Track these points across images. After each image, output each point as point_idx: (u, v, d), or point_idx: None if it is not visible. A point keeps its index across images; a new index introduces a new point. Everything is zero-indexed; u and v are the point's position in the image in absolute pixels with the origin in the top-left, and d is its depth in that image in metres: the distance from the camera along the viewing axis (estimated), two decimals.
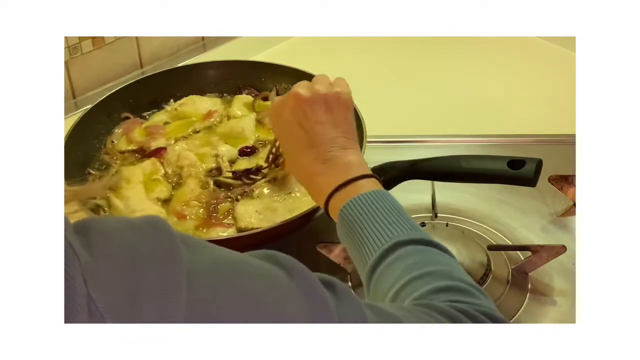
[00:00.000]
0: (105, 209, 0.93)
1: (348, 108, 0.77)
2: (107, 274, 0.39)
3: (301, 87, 0.76)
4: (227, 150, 1.02)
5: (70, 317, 0.37)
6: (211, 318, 0.42)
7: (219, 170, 1.00)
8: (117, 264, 0.40)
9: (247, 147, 1.04)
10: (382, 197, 0.69)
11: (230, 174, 0.99)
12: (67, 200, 0.42)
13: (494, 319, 0.58)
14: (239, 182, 0.97)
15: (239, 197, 0.96)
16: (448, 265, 0.63)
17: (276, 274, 0.47)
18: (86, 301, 0.38)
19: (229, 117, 1.11)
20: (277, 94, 1.13)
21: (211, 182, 0.99)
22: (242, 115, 1.11)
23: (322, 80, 0.78)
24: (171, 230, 0.44)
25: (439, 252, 0.65)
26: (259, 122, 1.09)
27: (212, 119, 1.10)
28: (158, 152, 1.03)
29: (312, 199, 0.77)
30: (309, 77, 1.08)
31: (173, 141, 1.06)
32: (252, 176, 0.98)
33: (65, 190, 0.42)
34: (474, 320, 0.57)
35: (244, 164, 1.01)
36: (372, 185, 0.71)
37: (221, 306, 0.43)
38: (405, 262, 0.63)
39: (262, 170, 0.98)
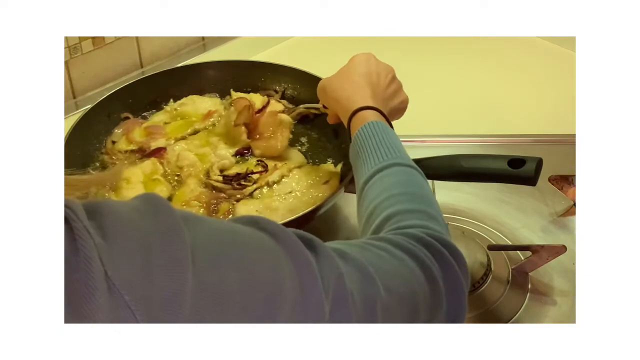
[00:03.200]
0: None
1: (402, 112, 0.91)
2: (120, 253, 0.41)
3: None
4: (221, 157, 1.02)
5: (90, 296, 0.39)
6: (215, 286, 0.45)
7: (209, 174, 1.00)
8: (127, 244, 0.42)
9: (245, 149, 1.04)
10: (390, 130, 0.80)
11: (220, 178, 0.98)
12: (66, 193, 0.43)
13: (436, 238, 0.63)
14: (229, 186, 0.97)
15: (239, 196, 0.96)
16: (419, 187, 0.72)
17: (263, 238, 0.51)
18: (105, 279, 0.40)
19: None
20: (284, 97, 1.14)
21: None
22: None
23: None
24: (171, 209, 0.46)
25: (416, 177, 0.74)
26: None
27: (212, 119, 1.10)
28: (158, 152, 1.03)
29: (338, 109, 0.86)
30: (309, 77, 1.09)
31: (173, 141, 1.06)
32: (242, 182, 0.98)
33: (65, 182, 0.43)
34: (417, 241, 0.62)
35: (235, 168, 1.01)
36: (381, 118, 0.82)
37: (223, 277, 0.45)
38: (384, 182, 0.72)
39: (252, 176, 0.98)
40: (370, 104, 0.81)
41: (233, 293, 0.45)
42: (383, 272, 0.57)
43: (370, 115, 0.80)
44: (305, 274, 0.50)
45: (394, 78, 0.89)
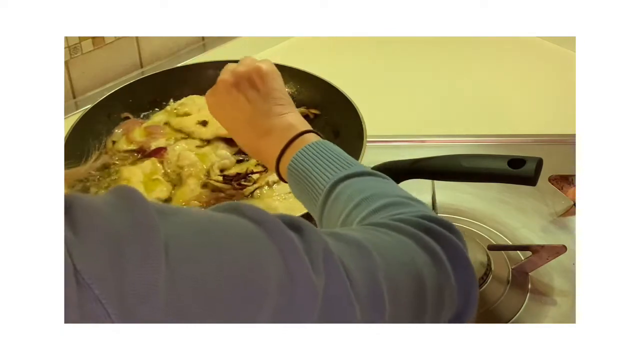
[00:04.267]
0: None
1: (273, 77, 0.80)
2: (91, 247, 0.41)
3: (224, 73, 0.82)
4: (221, 157, 1.02)
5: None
6: (191, 276, 0.44)
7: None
8: (98, 238, 0.42)
9: None
10: (322, 146, 0.73)
11: (220, 178, 0.98)
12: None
13: (432, 220, 0.61)
14: (229, 186, 0.97)
15: (239, 196, 0.96)
16: (384, 186, 0.68)
17: (243, 224, 0.49)
18: (73, 273, 0.39)
19: None
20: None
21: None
22: None
23: (244, 61, 0.83)
24: (145, 201, 0.45)
25: (375, 179, 0.69)
26: None
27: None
28: (158, 152, 1.03)
29: (268, 168, 0.83)
30: (309, 77, 1.09)
31: (173, 141, 1.06)
32: (242, 182, 0.98)
33: None
34: (414, 225, 0.60)
35: (235, 168, 1.01)
36: (313, 137, 0.76)
37: (199, 265, 0.45)
38: (346, 193, 0.67)
39: (252, 176, 0.98)
40: (273, 152, 0.75)
41: (211, 282, 0.45)
42: (378, 245, 0.56)
43: (288, 155, 0.74)
44: (290, 255, 0.49)
45: (246, 81, 0.80)
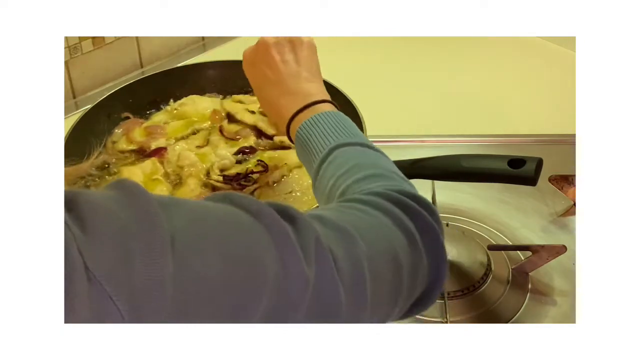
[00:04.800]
0: None
1: (311, 49, 0.84)
2: (99, 244, 0.41)
3: (267, 37, 0.85)
4: (221, 157, 1.02)
5: (71, 286, 0.39)
6: (195, 269, 0.45)
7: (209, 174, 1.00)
8: (105, 234, 0.42)
9: (246, 148, 1.04)
10: (333, 115, 0.76)
11: (220, 178, 0.98)
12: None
13: (409, 196, 0.62)
14: (229, 186, 0.97)
15: None
16: (374, 158, 0.71)
17: (239, 214, 0.50)
18: (84, 271, 0.40)
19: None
20: None
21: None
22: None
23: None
24: (147, 195, 0.46)
25: (369, 151, 0.72)
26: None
27: (217, 117, 1.10)
28: (158, 152, 1.03)
29: (278, 129, 0.85)
30: None
31: (173, 141, 1.06)
32: (242, 182, 0.98)
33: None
34: (392, 201, 0.61)
35: (235, 168, 1.01)
36: (328, 107, 0.78)
37: (203, 259, 0.45)
38: (337, 161, 0.70)
39: (252, 176, 0.98)
40: (287, 114, 0.78)
41: (214, 274, 0.45)
42: (361, 230, 0.57)
43: (301, 117, 0.77)
44: (284, 245, 0.50)
45: (287, 43, 0.83)
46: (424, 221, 0.60)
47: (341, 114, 0.77)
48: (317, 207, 0.60)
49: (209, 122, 1.09)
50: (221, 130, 1.07)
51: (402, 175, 0.68)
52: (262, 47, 0.84)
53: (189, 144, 1.05)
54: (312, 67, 0.83)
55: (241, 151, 1.04)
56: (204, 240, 0.47)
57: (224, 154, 1.02)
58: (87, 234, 0.41)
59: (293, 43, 0.83)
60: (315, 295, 0.51)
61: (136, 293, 0.41)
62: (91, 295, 0.39)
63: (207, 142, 1.06)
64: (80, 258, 0.40)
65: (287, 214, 0.52)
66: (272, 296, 0.48)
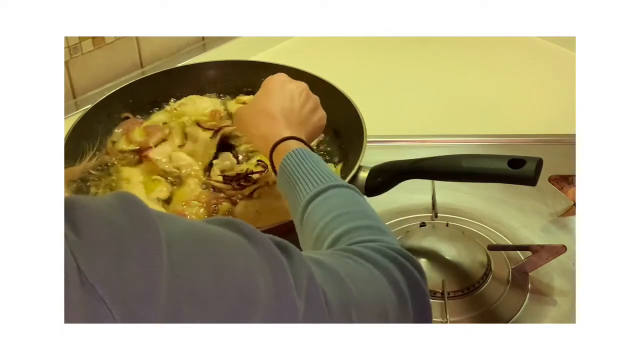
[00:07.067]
0: None
1: (321, 129, 0.91)
2: (93, 247, 0.42)
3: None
4: (222, 159, 1.02)
5: (65, 289, 0.39)
6: (190, 279, 0.45)
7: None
8: (100, 238, 0.42)
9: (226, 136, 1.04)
10: (316, 156, 0.80)
11: (220, 178, 0.98)
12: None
13: (403, 255, 0.64)
14: (229, 186, 0.97)
15: (239, 196, 0.96)
16: (366, 207, 0.73)
17: (239, 240, 0.51)
18: (77, 274, 0.40)
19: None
20: None
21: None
22: None
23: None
24: (143, 205, 0.46)
25: (360, 198, 0.74)
26: None
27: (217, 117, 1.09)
28: (142, 155, 1.03)
29: (258, 145, 0.87)
30: (309, 77, 1.09)
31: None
32: (242, 182, 0.98)
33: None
34: (388, 258, 0.63)
35: (235, 168, 1.01)
36: (296, 145, 0.81)
37: (198, 270, 0.46)
38: (331, 202, 0.73)
39: (252, 176, 0.98)
40: (287, 134, 0.81)
41: (208, 286, 0.46)
42: (352, 277, 0.59)
43: (291, 144, 0.80)
44: (278, 273, 0.51)
45: (308, 96, 0.88)
46: (413, 278, 0.63)
47: (313, 153, 0.80)
48: (311, 251, 0.63)
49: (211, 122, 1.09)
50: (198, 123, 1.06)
51: (385, 225, 0.71)
52: (287, 78, 0.89)
53: (171, 146, 1.04)
54: (306, 121, 0.86)
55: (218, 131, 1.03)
56: (200, 250, 0.47)
57: (224, 156, 1.02)
58: (81, 238, 0.41)
59: (311, 98, 0.88)
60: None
61: (129, 298, 0.41)
62: (84, 299, 0.40)
63: (186, 138, 1.05)
64: (73, 261, 0.40)
65: (282, 246, 0.54)
66: (262, 317, 0.49)
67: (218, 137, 1.03)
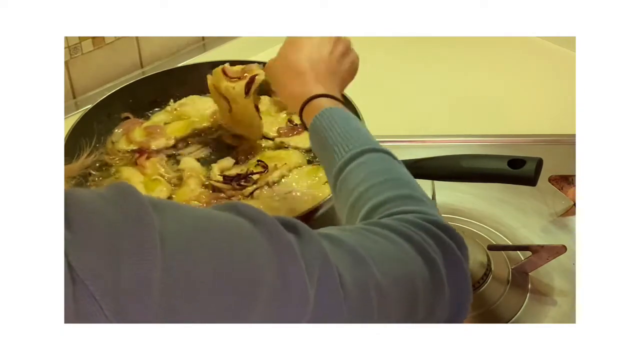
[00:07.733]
0: None
1: (354, 61, 0.88)
2: (84, 243, 0.41)
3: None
4: (220, 160, 1.02)
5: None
6: (185, 273, 0.44)
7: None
8: (91, 233, 0.41)
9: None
10: (347, 113, 0.76)
11: (220, 178, 0.98)
12: None
13: (441, 227, 0.60)
14: (229, 186, 0.97)
15: (239, 196, 0.96)
16: (405, 175, 0.69)
17: (241, 223, 0.49)
18: (68, 270, 0.39)
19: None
20: None
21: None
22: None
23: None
24: (139, 195, 0.45)
25: (396, 162, 0.70)
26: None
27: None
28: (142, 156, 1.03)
29: (288, 104, 0.83)
30: None
31: (173, 141, 1.06)
32: (242, 182, 0.97)
33: None
34: (423, 230, 0.59)
35: (235, 169, 1.01)
36: (330, 104, 0.77)
37: (193, 261, 0.44)
38: (369, 167, 0.68)
39: (252, 176, 0.98)
40: (316, 91, 0.77)
41: (204, 280, 0.44)
42: (377, 255, 0.55)
43: (321, 102, 0.76)
44: (286, 257, 0.49)
45: (337, 40, 0.84)
46: (451, 253, 0.59)
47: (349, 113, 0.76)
48: (333, 227, 0.60)
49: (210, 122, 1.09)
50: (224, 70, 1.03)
51: (425, 194, 0.67)
52: (342, 41, 0.86)
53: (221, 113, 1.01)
54: (336, 70, 0.83)
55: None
56: (196, 242, 0.46)
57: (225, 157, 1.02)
58: (72, 232, 0.41)
59: (340, 42, 0.85)
60: (317, 312, 0.50)
61: (121, 293, 0.40)
62: (74, 294, 0.39)
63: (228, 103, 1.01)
64: (65, 257, 0.39)
65: (291, 226, 0.52)
66: (268, 307, 0.47)
67: (252, 92, 1.00)
